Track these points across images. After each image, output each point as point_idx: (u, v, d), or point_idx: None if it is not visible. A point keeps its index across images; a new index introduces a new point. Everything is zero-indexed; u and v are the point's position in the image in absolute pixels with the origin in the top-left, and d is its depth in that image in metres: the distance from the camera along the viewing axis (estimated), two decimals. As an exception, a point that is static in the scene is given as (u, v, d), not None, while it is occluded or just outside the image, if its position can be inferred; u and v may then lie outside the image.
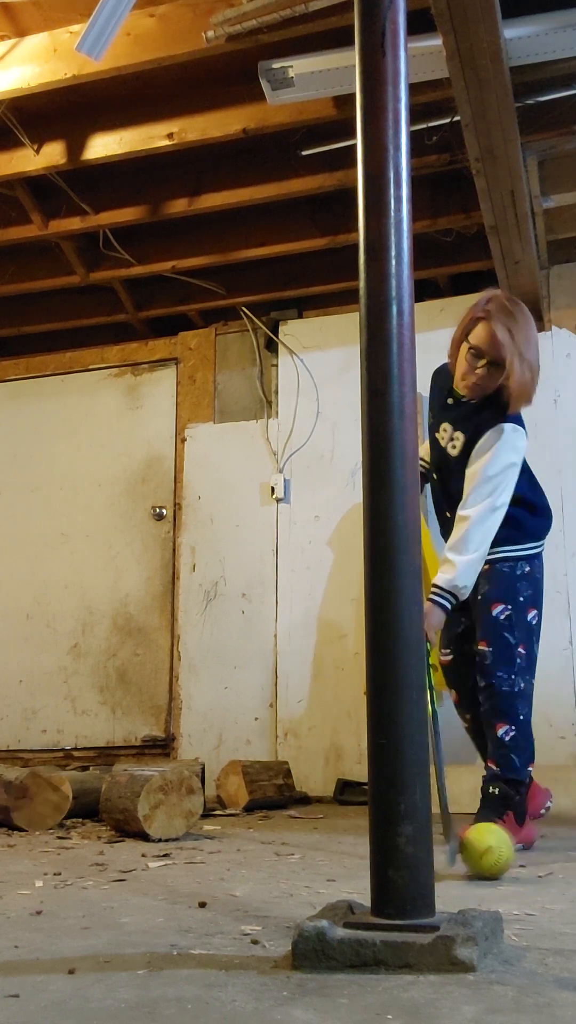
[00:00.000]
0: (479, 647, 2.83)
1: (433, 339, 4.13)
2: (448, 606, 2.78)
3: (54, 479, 5.31)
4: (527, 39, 3.12)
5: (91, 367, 5.39)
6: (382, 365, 1.52)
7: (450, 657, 3.01)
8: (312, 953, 1.30)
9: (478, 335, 2.88)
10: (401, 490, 1.49)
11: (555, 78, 3.40)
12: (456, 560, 2.78)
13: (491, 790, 2.77)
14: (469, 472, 2.83)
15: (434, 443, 3.02)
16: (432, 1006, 1.13)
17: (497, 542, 2.86)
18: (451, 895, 1.90)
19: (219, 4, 3.21)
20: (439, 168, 3.92)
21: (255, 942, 1.50)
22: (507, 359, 2.82)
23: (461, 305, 4.59)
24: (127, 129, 3.90)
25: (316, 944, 1.30)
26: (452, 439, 2.91)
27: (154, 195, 4.32)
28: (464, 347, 2.92)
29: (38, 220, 4.40)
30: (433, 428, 3.04)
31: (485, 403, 2.92)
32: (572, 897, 1.92)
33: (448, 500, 2.97)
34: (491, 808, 2.73)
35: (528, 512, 2.95)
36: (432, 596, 2.78)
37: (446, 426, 2.94)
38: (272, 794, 3.93)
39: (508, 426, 2.87)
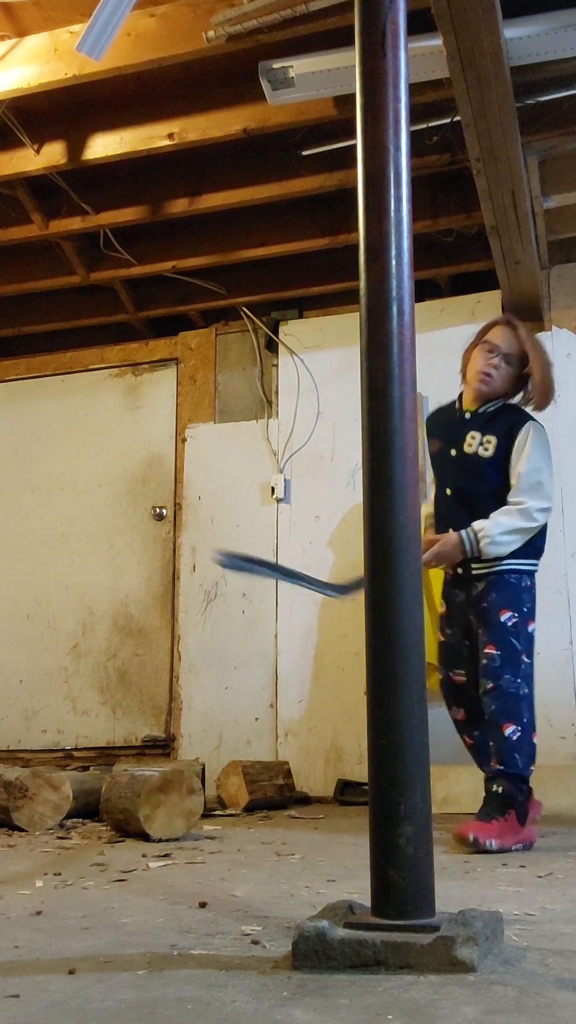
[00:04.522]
0: (487, 651, 2.87)
1: (433, 339, 4.14)
2: (469, 551, 2.89)
3: (54, 479, 5.31)
4: (527, 39, 3.12)
5: (91, 367, 5.38)
6: (382, 365, 1.52)
7: (464, 679, 3.04)
8: (312, 953, 1.30)
9: (495, 333, 3.03)
10: (401, 490, 1.49)
11: (555, 78, 3.40)
12: (501, 523, 2.88)
13: (495, 788, 2.78)
14: (517, 469, 2.94)
15: (451, 459, 3.07)
16: (432, 1006, 1.13)
17: (510, 553, 2.95)
18: (451, 895, 1.90)
19: (220, 4, 3.21)
20: (440, 168, 3.92)
21: (255, 942, 1.50)
22: (530, 355, 2.99)
23: (461, 305, 4.62)
24: (127, 129, 3.90)
25: (317, 944, 1.30)
26: (483, 443, 2.99)
27: (154, 195, 4.32)
28: (477, 350, 3.05)
29: (38, 220, 4.39)
30: (448, 447, 3.08)
31: (505, 408, 3.06)
32: (572, 897, 1.92)
33: (469, 506, 3.00)
34: (494, 806, 2.74)
35: (540, 532, 3.03)
36: (463, 532, 2.90)
37: (473, 434, 3.02)
38: (272, 794, 3.93)
39: (539, 424, 3.02)
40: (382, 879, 1.39)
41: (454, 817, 3.50)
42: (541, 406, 3.07)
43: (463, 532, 2.90)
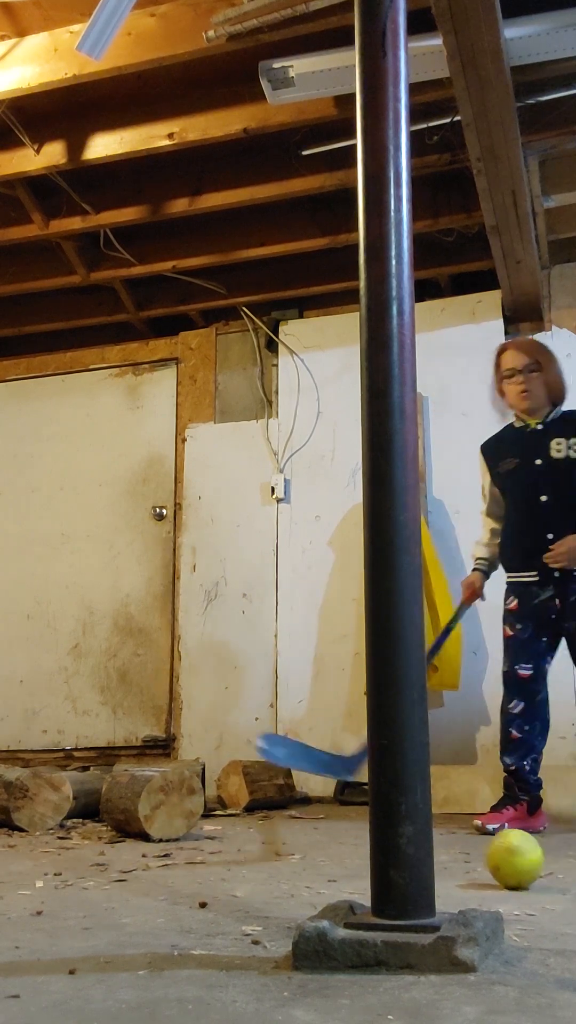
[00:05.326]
0: None
1: (433, 339, 4.13)
2: None
3: (54, 479, 5.31)
4: (528, 39, 3.11)
5: (92, 367, 5.38)
6: (382, 365, 1.52)
7: (530, 672, 3.20)
8: (313, 953, 1.30)
9: (506, 360, 3.30)
10: (401, 490, 1.49)
11: (556, 78, 3.40)
12: None
13: None
14: None
15: (538, 468, 3.24)
16: (433, 1007, 1.13)
17: None
18: (452, 895, 1.90)
19: (220, 3, 3.21)
20: (440, 168, 3.92)
21: (256, 943, 1.50)
22: (539, 358, 3.27)
23: (461, 305, 4.62)
24: (127, 129, 3.90)
25: (317, 944, 1.30)
26: (571, 447, 3.21)
27: (155, 195, 4.32)
28: (504, 383, 3.30)
29: (39, 220, 4.39)
30: (530, 459, 3.25)
31: (566, 413, 3.32)
32: (573, 897, 1.92)
33: (572, 506, 3.16)
34: None
35: None
36: None
37: (559, 440, 3.23)
38: (273, 794, 3.93)
39: None
40: (382, 879, 1.39)
41: (454, 817, 3.50)
42: (560, 399, 3.32)
43: None
